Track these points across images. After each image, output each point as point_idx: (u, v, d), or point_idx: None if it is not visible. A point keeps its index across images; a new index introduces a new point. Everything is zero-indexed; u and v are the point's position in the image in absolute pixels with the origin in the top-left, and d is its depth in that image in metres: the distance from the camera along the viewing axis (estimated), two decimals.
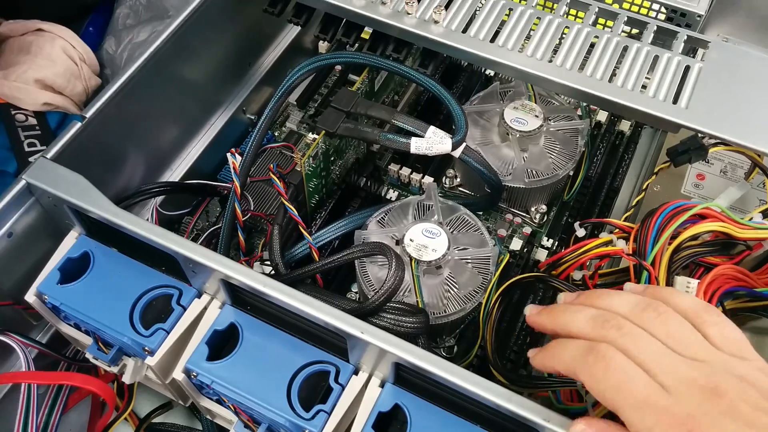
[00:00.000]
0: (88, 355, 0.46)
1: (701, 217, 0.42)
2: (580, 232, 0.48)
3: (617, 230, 0.45)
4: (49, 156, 0.46)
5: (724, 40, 0.66)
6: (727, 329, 0.34)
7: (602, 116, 0.65)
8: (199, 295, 0.45)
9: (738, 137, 0.45)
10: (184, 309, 0.44)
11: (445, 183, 0.63)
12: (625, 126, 0.65)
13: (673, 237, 0.42)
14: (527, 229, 0.59)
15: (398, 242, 0.51)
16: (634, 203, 0.51)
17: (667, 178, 0.55)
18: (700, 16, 0.61)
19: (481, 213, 0.60)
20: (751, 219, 0.45)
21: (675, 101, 0.48)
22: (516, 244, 0.58)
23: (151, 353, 0.43)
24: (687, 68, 0.49)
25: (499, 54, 0.51)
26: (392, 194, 0.62)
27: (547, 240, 0.59)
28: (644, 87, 0.48)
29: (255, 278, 0.40)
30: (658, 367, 0.32)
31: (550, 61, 0.50)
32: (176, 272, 0.45)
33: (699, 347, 0.33)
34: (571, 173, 0.59)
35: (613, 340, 0.34)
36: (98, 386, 0.44)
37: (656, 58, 0.50)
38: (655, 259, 0.41)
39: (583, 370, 0.34)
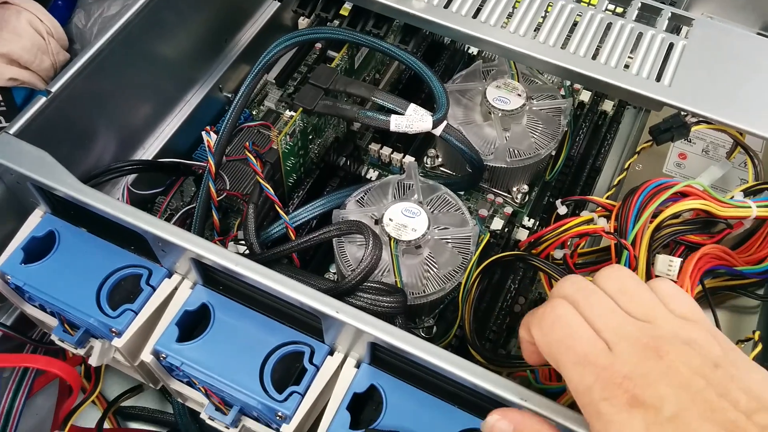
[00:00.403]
0: (54, 337, 0.45)
1: (683, 195, 0.42)
2: (562, 210, 0.47)
3: (599, 208, 0.45)
4: (12, 131, 0.44)
5: (709, 18, 0.65)
6: (681, 294, 0.34)
7: (585, 96, 0.64)
8: (169, 275, 0.44)
9: (720, 115, 0.44)
10: (154, 289, 0.43)
11: (427, 163, 0.62)
12: (608, 106, 0.64)
13: (654, 215, 0.42)
14: (508, 209, 0.58)
15: (377, 222, 0.50)
16: (615, 182, 0.51)
17: (649, 157, 0.55)
18: None
19: (462, 193, 0.59)
20: (732, 197, 0.44)
21: (658, 79, 0.47)
22: (497, 224, 0.57)
23: (119, 335, 0.42)
24: (671, 46, 0.49)
25: (481, 30, 0.50)
26: (372, 174, 0.61)
27: (529, 220, 0.58)
28: (627, 65, 0.48)
29: (226, 257, 0.39)
30: (605, 324, 0.32)
31: (533, 38, 0.49)
32: (146, 252, 0.44)
33: (650, 306, 0.33)
34: (554, 153, 0.58)
35: (567, 295, 0.34)
36: (61, 368, 0.42)
37: (640, 35, 0.49)
38: (636, 238, 0.40)
39: (534, 323, 0.34)
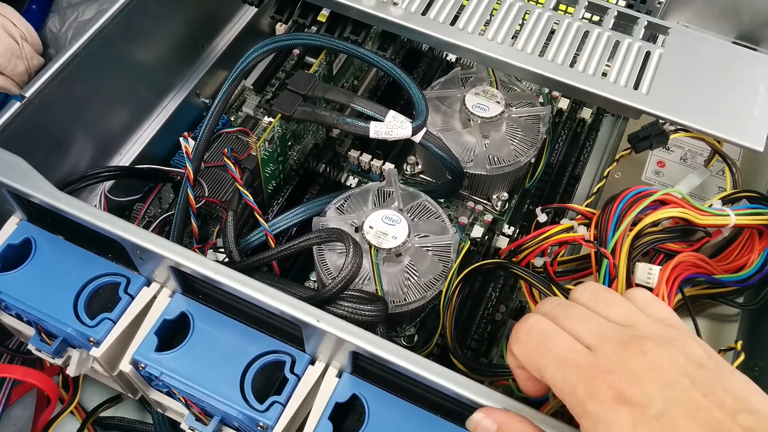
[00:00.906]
0: (31, 347, 0.44)
1: (662, 203, 0.42)
2: (542, 218, 0.47)
3: (579, 216, 0.45)
4: None
5: (685, 27, 0.66)
6: (657, 302, 0.34)
7: (564, 104, 0.65)
8: (148, 284, 0.43)
9: (698, 123, 0.45)
10: (132, 298, 0.42)
11: (407, 170, 0.62)
12: (586, 113, 0.65)
13: (634, 223, 0.42)
14: (488, 217, 0.59)
15: (357, 229, 0.49)
16: (595, 190, 0.51)
17: (628, 165, 0.55)
18: (660, 2, 0.61)
19: (442, 200, 0.59)
20: (710, 206, 0.45)
21: (636, 87, 0.47)
22: (477, 232, 0.57)
23: (97, 344, 0.41)
24: (648, 54, 0.49)
25: (459, 37, 0.50)
26: (352, 181, 0.61)
27: (509, 228, 0.58)
28: (605, 73, 0.48)
29: (206, 265, 0.39)
30: (584, 329, 0.32)
31: (511, 46, 0.50)
32: (124, 260, 0.43)
33: (628, 312, 0.33)
34: (533, 160, 0.59)
35: (545, 312, 0.34)
36: (39, 379, 0.42)
37: (617, 43, 0.50)
38: (616, 246, 0.41)
39: (512, 340, 0.34)
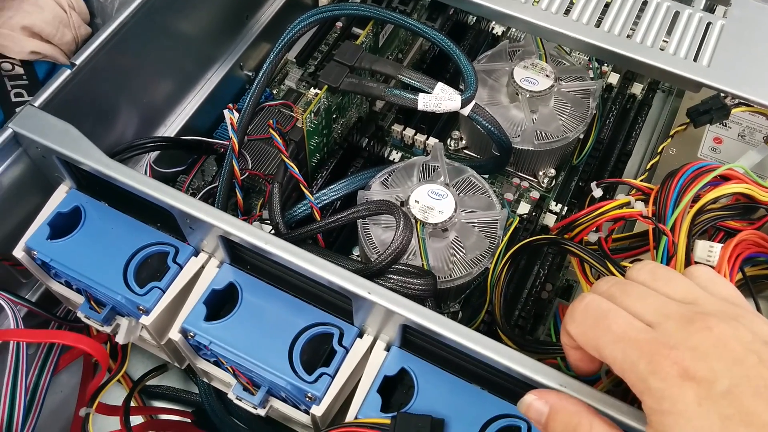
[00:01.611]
0: (80, 315, 0.44)
1: (723, 179, 0.41)
2: (597, 193, 0.46)
3: (634, 191, 0.44)
4: (36, 104, 0.44)
5: None
6: (720, 279, 0.33)
7: (614, 79, 0.63)
8: (196, 253, 0.43)
9: (762, 97, 0.43)
10: (181, 267, 0.42)
11: (450, 145, 0.61)
12: (637, 89, 0.63)
13: (694, 200, 0.41)
14: (535, 194, 0.57)
15: (403, 203, 0.49)
16: (648, 167, 0.50)
17: (683, 141, 0.53)
18: None
19: (487, 177, 0.58)
20: None
21: (696, 59, 0.46)
22: (523, 209, 0.56)
23: (146, 312, 0.41)
24: (708, 25, 0.47)
25: (511, 7, 0.49)
26: (395, 156, 0.60)
27: (556, 205, 0.57)
28: (662, 48, 0.46)
29: (257, 235, 0.38)
30: (644, 307, 0.31)
31: (565, 16, 0.48)
32: (172, 229, 0.43)
33: (689, 290, 0.32)
34: (582, 136, 0.57)
35: (601, 292, 0.33)
36: (90, 345, 0.42)
37: (677, 14, 0.48)
38: (676, 222, 0.39)
39: (567, 321, 0.33)
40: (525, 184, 0.58)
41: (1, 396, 0.41)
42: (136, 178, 0.40)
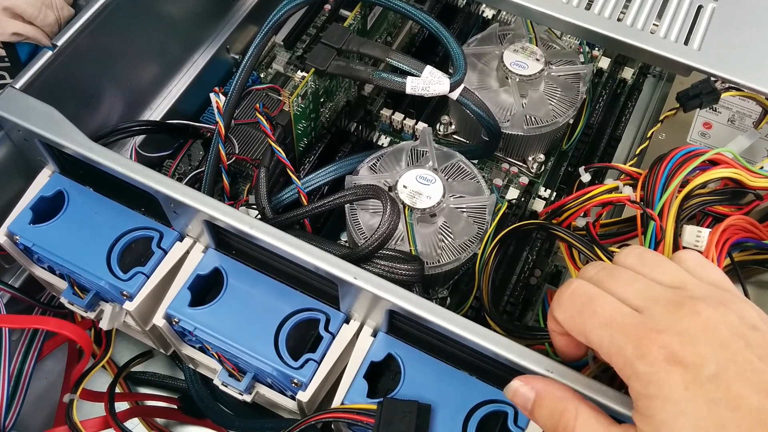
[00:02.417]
0: (63, 300, 0.44)
1: (712, 164, 0.40)
2: (585, 177, 0.46)
3: (623, 176, 0.43)
4: (18, 86, 0.43)
5: None
6: (708, 264, 0.33)
7: (604, 63, 0.63)
8: (181, 238, 0.43)
9: (752, 81, 0.43)
10: (165, 252, 0.42)
11: (439, 130, 0.60)
12: (627, 74, 0.63)
13: (682, 185, 0.40)
14: (524, 179, 0.57)
15: (391, 189, 0.48)
16: (638, 151, 0.49)
17: (673, 126, 0.53)
18: None
19: (476, 162, 0.58)
20: (761, 168, 0.43)
21: (686, 42, 0.45)
22: (512, 194, 0.56)
23: (130, 298, 0.41)
24: (699, 8, 0.47)
25: None
26: (384, 140, 0.59)
27: (545, 190, 0.56)
28: (653, 31, 0.46)
29: (241, 220, 0.38)
30: (631, 292, 0.31)
31: None
32: (157, 214, 0.42)
33: (677, 274, 0.32)
34: (571, 121, 0.57)
35: (589, 277, 0.33)
36: (73, 331, 0.41)
37: None
38: (664, 207, 0.39)
39: (554, 306, 0.33)
40: (514, 169, 0.58)
41: None
42: (120, 162, 0.39)
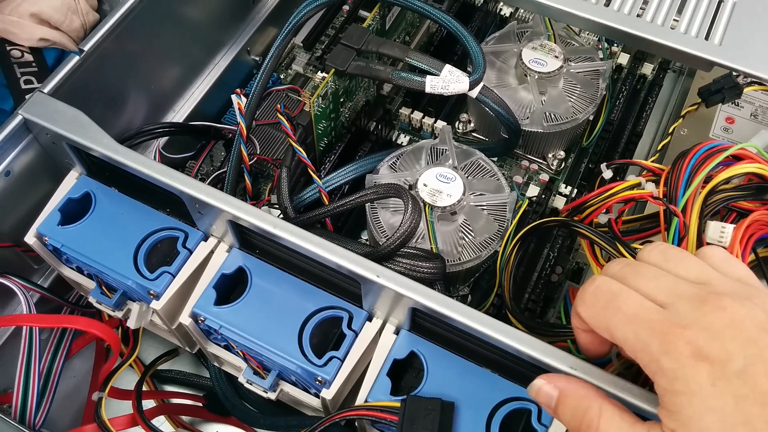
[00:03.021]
0: (92, 300, 0.45)
1: (736, 159, 0.40)
2: (607, 174, 0.46)
3: (645, 172, 0.43)
4: (46, 90, 0.44)
5: None
6: (733, 260, 0.33)
7: (623, 59, 0.62)
8: (205, 238, 0.43)
9: None
10: (191, 252, 0.43)
11: (458, 128, 0.60)
12: (647, 69, 0.62)
13: (705, 181, 0.40)
14: (544, 176, 0.57)
15: (411, 187, 0.48)
16: (659, 147, 0.49)
17: (695, 121, 0.53)
18: None
19: (495, 159, 0.58)
20: None
21: (707, 38, 0.45)
22: (533, 191, 0.56)
23: (157, 297, 0.42)
24: (720, 2, 0.47)
25: None
26: (403, 139, 0.60)
27: (566, 187, 0.56)
28: (673, 27, 0.46)
29: (265, 219, 0.38)
30: (655, 288, 0.31)
31: None
32: (182, 214, 0.43)
33: (701, 270, 0.32)
34: (591, 118, 0.57)
35: (612, 274, 0.33)
36: (102, 330, 0.42)
37: None
38: (687, 203, 0.39)
39: (578, 303, 0.33)
40: (534, 166, 0.58)
41: (15, 381, 0.42)
42: (146, 164, 0.40)
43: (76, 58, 0.45)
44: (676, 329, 0.28)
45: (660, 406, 0.29)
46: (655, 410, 0.31)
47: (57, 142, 0.43)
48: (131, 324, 0.44)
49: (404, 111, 0.60)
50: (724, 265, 0.32)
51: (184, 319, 0.41)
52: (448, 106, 0.62)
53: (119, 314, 0.45)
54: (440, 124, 0.59)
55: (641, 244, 0.42)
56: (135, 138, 0.50)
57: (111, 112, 0.51)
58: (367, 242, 0.55)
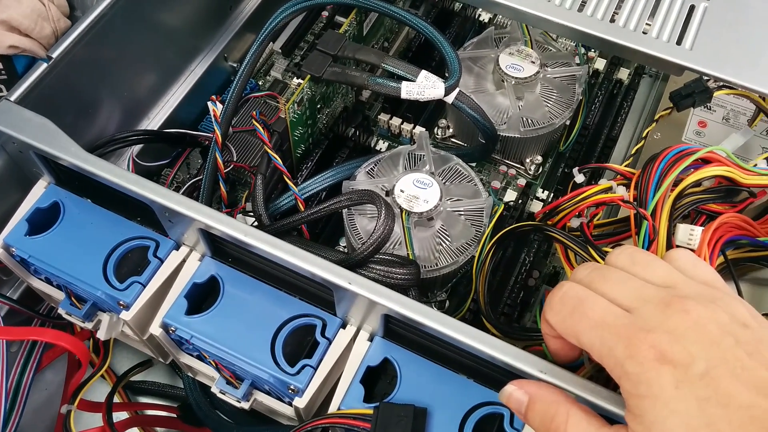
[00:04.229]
0: (61, 311, 0.44)
1: (705, 162, 0.40)
2: (579, 178, 0.46)
3: (618, 177, 0.43)
4: (12, 99, 0.43)
5: None
6: (699, 262, 0.33)
7: (600, 64, 0.63)
8: (177, 247, 0.43)
9: (744, 79, 0.43)
10: (162, 261, 0.42)
11: (437, 134, 0.60)
12: (623, 74, 0.63)
13: (675, 184, 0.40)
14: (522, 181, 0.57)
15: (388, 193, 0.48)
16: (633, 151, 0.49)
17: (668, 125, 0.53)
18: None
19: (473, 165, 0.58)
20: (755, 165, 0.43)
21: (679, 42, 0.45)
22: (510, 196, 0.56)
23: (127, 308, 0.41)
24: (692, 8, 0.47)
25: None
26: (382, 145, 0.60)
27: (543, 192, 0.56)
28: (645, 31, 0.46)
29: (236, 227, 0.38)
30: (621, 292, 0.31)
31: (548, 1, 0.48)
32: (152, 223, 0.42)
33: (668, 274, 0.32)
34: (568, 122, 0.57)
35: (580, 279, 0.33)
36: (69, 342, 0.42)
37: None
38: (657, 207, 0.39)
39: (546, 309, 0.33)
40: (512, 171, 0.58)
41: None
42: (114, 172, 0.39)
43: (45, 65, 0.45)
44: (640, 333, 0.28)
45: (626, 410, 0.29)
46: (623, 413, 0.31)
47: (24, 151, 0.42)
48: (101, 335, 0.43)
49: (383, 117, 0.60)
50: (690, 268, 0.32)
51: (155, 329, 0.41)
52: (427, 112, 0.62)
53: (89, 325, 0.44)
54: (419, 129, 0.59)
55: (613, 247, 0.42)
56: (107, 146, 0.49)
57: (83, 119, 0.51)
58: (345, 249, 0.55)
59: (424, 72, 0.49)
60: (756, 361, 0.28)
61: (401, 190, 0.48)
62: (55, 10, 0.52)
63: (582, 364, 0.38)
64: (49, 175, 0.44)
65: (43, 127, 0.41)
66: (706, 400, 0.27)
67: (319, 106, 0.55)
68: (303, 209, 0.49)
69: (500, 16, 0.64)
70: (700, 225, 0.41)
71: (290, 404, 0.41)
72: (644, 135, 0.49)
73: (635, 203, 0.40)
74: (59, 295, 0.45)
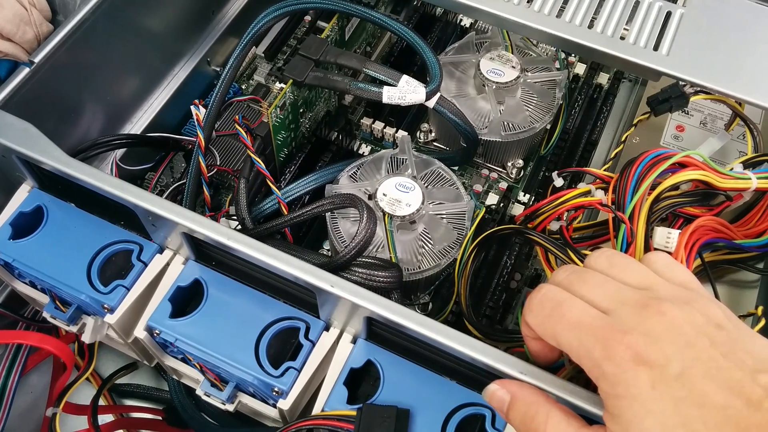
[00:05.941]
0: (46, 314, 0.44)
1: (682, 166, 0.41)
2: (558, 182, 0.46)
3: (596, 180, 0.44)
4: None
5: None
6: (676, 265, 0.34)
7: (580, 69, 0.64)
8: (160, 251, 0.43)
9: (719, 85, 0.44)
10: (145, 265, 0.42)
11: (420, 137, 0.61)
12: (603, 79, 0.64)
13: (653, 187, 0.41)
14: (503, 185, 0.58)
15: (371, 197, 0.49)
16: (612, 155, 0.50)
17: (647, 130, 0.54)
18: None
19: (456, 168, 0.58)
20: (731, 169, 0.44)
21: (656, 48, 0.46)
22: (492, 200, 0.57)
23: (111, 311, 0.41)
24: (668, 14, 0.48)
25: None
26: (365, 149, 0.60)
27: (524, 195, 0.57)
28: (623, 36, 0.47)
29: (219, 231, 0.38)
30: (599, 295, 0.32)
31: (528, 7, 0.48)
32: (136, 227, 0.43)
33: (645, 276, 0.33)
34: (549, 126, 0.58)
35: (558, 282, 0.34)
36: (54, 345, 0.42)
37: (637, 3, 0.49)
38: (634, 210, 0.40)
39: (525, 312, 0.34)
40: (494, 175, 0.59)
41: None
42: (97, 176, 0.39)
43: (27, 69, 0.45)
44: (617, 335, 0.29)
45: (604, 410, 0.30)
46: (601, 413, 0.31)
47: (6, 156, 0.42)
48: (86, 338, 0.43)
49: (366, 121, 0.60)
50: (667, 270, 0.33)
51: (139, 332, 0.41)
52: (409, 116, 0.63)
53: (74, 329, 0.44)
54: (401, 133, 0.59)
55: (592, 250, 0.43)
56: (89, 150, 0.49)
57: (66, 124, 0.51)
58: (329, 252, 0.55)
59: (405, 77, 0.50)
60: (730, 361, 0.28)
61: (384, 194, 0.48)
62: (37, 15, 0.52)
63: (563, 366, 0.39)
64: (32, 180, 0.44)
65: (25, 131, 0.41)
66: (681, 400, 0.28)
67: (301, 110, 0.55)
68: (286, 213, 0.49)
69: (481, 21, 0.65)
70: (678, 228, 0.42)
71: (274, 406, 0.41)
72: (623, 139, 0.50)
73: (613, 207, 0.41)
74: (44, 298, 0.45)
